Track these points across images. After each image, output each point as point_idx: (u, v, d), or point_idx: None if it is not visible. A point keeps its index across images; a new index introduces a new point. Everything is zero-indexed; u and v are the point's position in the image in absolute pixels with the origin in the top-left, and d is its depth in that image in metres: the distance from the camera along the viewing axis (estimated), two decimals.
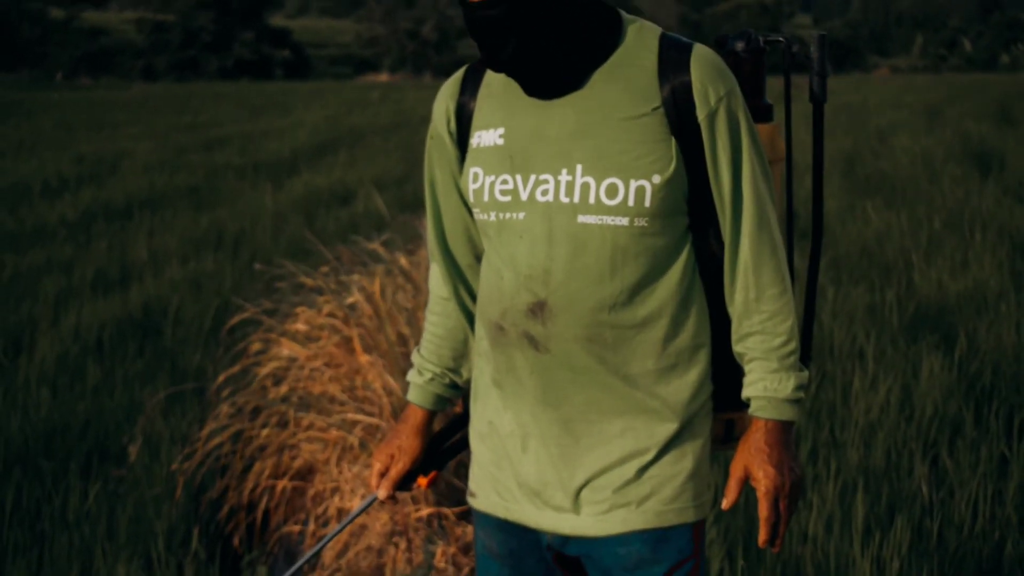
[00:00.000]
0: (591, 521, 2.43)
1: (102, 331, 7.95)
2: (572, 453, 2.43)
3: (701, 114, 2.33)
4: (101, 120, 26.33)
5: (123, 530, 5.06)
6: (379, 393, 5.34)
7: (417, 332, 5.67)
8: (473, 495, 2.61)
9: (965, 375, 6.45)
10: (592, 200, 2.33)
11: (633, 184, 2.32)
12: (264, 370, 5.85)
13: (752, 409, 2.42)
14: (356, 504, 4.92)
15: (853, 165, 15.68)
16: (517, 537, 2.54)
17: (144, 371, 7.13)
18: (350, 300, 5.93)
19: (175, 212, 13.27)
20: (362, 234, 8.57)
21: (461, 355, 2.71)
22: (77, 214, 13.14)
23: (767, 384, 2.40)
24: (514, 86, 2.43)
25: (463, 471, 4.91)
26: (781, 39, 2.65)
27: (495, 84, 2.48)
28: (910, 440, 5.51)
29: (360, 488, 4.98)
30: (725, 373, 2.49)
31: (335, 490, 5.14)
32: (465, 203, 2.58)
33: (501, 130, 2.43)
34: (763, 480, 2.39)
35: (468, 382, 2.71)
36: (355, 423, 5.24)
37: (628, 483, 2.41)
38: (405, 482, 2.77)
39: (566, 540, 2.47)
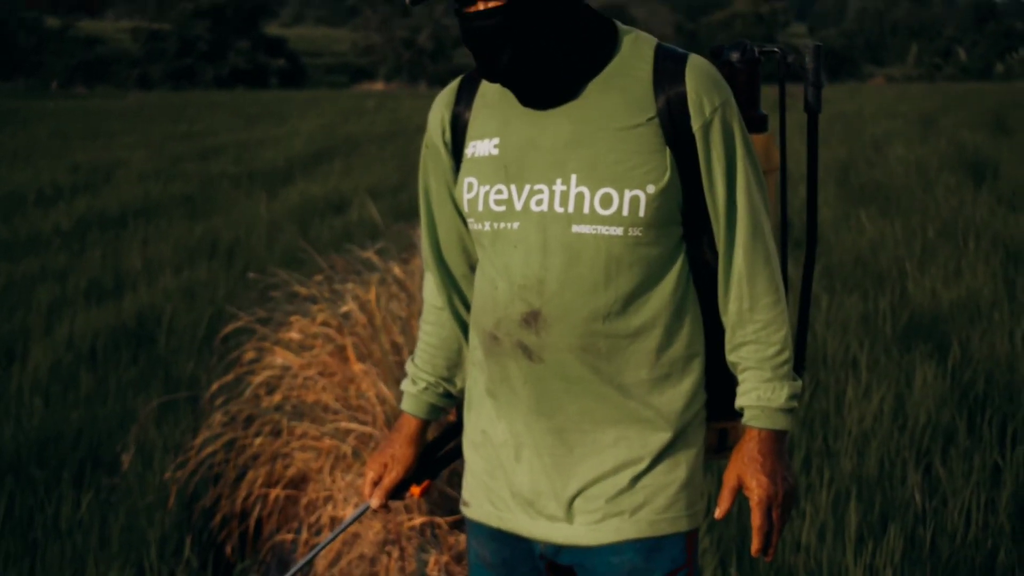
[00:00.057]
0: (584, 530, 2.43)
1: (95, 340, 7.95)
2: (565, 462, 2.43)
3: (696, 124, 2.33)
4: (96, 129, 26.33)
5: (116, 539, 5.05)
6: (373, 402, 5.34)
7: (411, 341, 5.67)
8: (466, 504, 2.61)
9: (958, 384, 6.45)
10: (586, 210, 2.34)
11: (628, 194, 2.32)
12: (258, 379, 5.85)
13: (746, 418, 2.42)
14: (349, 513, 4.92)
15: (848, 174, 15.70)
16: (510, 546, 2.54)
17: (137, 379, 7.12)
18: (344, 309, 5.93)
19: (169, 221, 13.27)
20: (356, 243, 8.58)
21: (455, 364, 2.71)
22: (71, 223, 13.13)
23: (760, 394, 2.40)
24: (509, 96, 2.43)
25: (456, 480, 4.91)
26: (776, 49, 2.65)
27: (490, 94, 2.48)
28: (903, 449, 5.51)
29: (353, 497, 4.98)
30: (719, 382, 2.49)
31: (328, 499, 5.13)
32: (459, 213, 2.58)
33: (496, 140, 2.43)
34: (756, 489, 2.39)
35: (462, 391, 2.71)
36: (348, 432, 5.24)
37: (621, 492, 2.41)
38: (398, 491, 2.77)
39: (559, 549, 2.47)
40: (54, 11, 64.61)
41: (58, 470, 5.73)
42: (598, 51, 2.39)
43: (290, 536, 5.20)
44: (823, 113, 2.66)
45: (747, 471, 2.41)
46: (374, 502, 2.74)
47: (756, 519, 2.40)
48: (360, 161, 19.21)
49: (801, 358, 2.61)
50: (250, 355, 6.09)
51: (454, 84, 2.58)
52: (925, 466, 5.47)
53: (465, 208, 2.48)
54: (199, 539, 5.26)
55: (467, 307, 2.65)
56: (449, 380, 2.72)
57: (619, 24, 2.44)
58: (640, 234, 2.34)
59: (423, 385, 2.71)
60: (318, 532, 5.07)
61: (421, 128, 2.83)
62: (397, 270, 6.39)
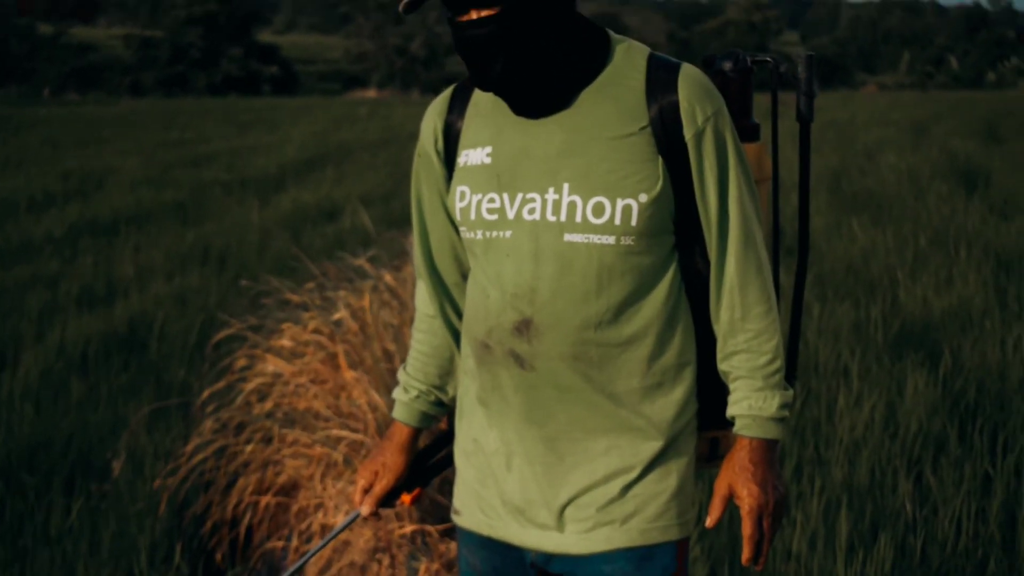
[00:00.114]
0: (575, 539, 2.43)
1: (87, 346, 7.94)
2: (556, 471, 2.43)
3: (688, 134, 2.34)
4: (88, 136, 26.28)
5: (106, 546, 5.05)
6: (364, 409, 5.34)
7: (403, 348, 5.67)
8: (457, 512, 2.61)
9: (949, 392, 6.46)
10: (579, 219, 2.34)
11: (620, 203, 2.32)
12: (249, 386, 5.84)
13: (737, 427, 2.43)
14: (340, 520, 4.91)
15: (840, 182, 15.71)
16: (501, 555, 2.53)
17: (128, 386, 7.11)
18: (336, 316, 5.92)
19: (161, 228, 13.26)
20: (348, 250, 8.56)
21: (447, 373, 2.71)
22: (63, 230, 13.11)
23: (752, 403, 2.40)
24: (502, 105, 2.43)
25: (447, 488, 4.91)
26: (769, 59, 2.66)
27: (483, 103, 2.49)
28: (894, 457, 5.51)
29: (344, 504, 4.97)
30: (710, 391, 2.49)
31: (319, 506, 5.13)
32: (452, 221, 2.58)
33: (488, 149, 2.44)
34: (747, 498, 2.39)
35: (454, 400, 2.71)
36: (340, 439, 5.24)
37: (612, 501, 2.41)
38: (389, 499, 2.77)
39: (550, 558, 2.47)
40: (47, 18, 64.58)
41: (48, 477, 5.72)
42: (591, 60, 2.39)
43: (280, 543, 5.19)
44: (815, 121, 2.66)
45: (738, 480, 2.41)
46: (364, 510, 2.74)
47: (747, 528, 2.40)
48: (352, 168, 19.21)
49: (793, 367, 2.61)
50: (241, 362, 6.08)
51: (447, 93, 2.58)
52: (916, 475, 5.47)
53: (457, 217, 2.48)
54: (189, 546, 5.25)
55: (459, 315, 2.65)
56: (441, 388, 2.72)
57: (612, 33, 2.45)
58: (632, 243, 2.34)
59: (415, 393, 2.71)
60: (309, 539, 5.07)
61: (413, 136, 2.83)
62: (389, 278, 6.39)
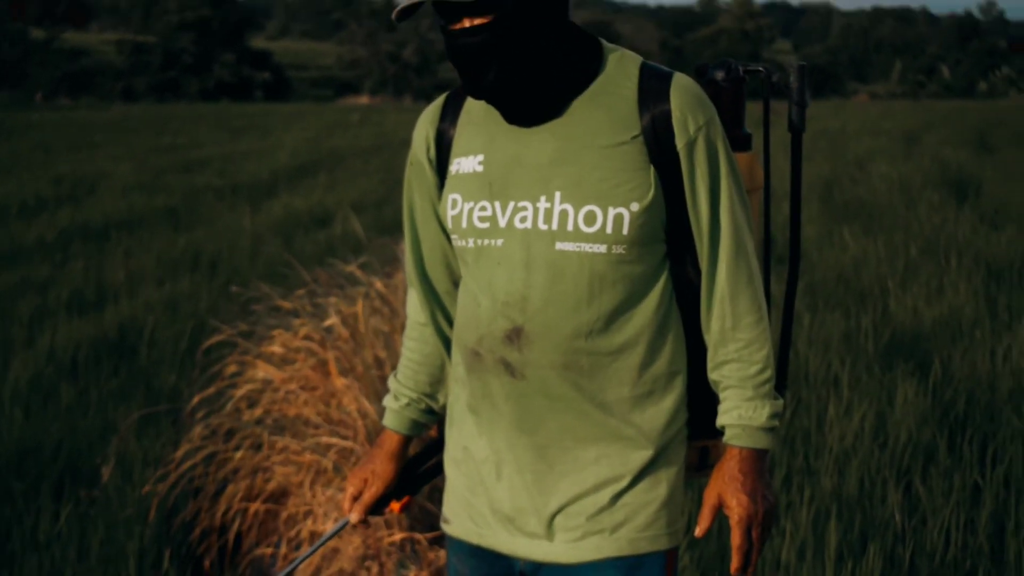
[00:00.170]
0: (564, 548, 2.43)
1: (77, 351, 7.92)
2: (546, 480, 2.43)
3: (680, 143, 2.34)
4: (80, 141, 26.26)
5: (94, 552, 5.03)
6: (354, 416, 5.33)
7: (393, 356, 5.66)
8: (447, 521, 2.61)
9: (939, 402, 6.46)
10: (570, 227, 2.34)
11: (611, 212, 2.32)
12: (239, 392, 5.83)
13: (727, 437, 2.43)
14: (329, 527, 4.90)
15: (831, 191, 15.73)
16: (490, 563, 2.53)
17: (118, 392, 7.10)
18: (327, 323, 5.92)
19: (152, 233, 13.24)
20: (339, 257, 8.56)
21: (438, 381, 2.71)
22: (54, 234, 13.10)
23: (742, 412, 2.40)
24: (494, 113, 2.43)
25: (437, 496, 4.90)
26: (761, 68, 2.66)
27: (475, 111, 2.49)
28: (884, 467, 5.52)
29: (333, 511, 4.97)
30: (700, 400, 2.49)
31: (308, 513, 5.12)
32: (444, 229, 2.58)
33: (480, 157, 2.44)
34: (736, 508, 2.39)
35: (444, 408, 2.71)
36: (329, 446, 5.23)
37: (602, 510, 2.41)
38: (378, 506, 2.76)
39: (539, 567, 2.47)
40: (39, 23, 64.49)
41: (37, 482, 5.71)
42: (583, 69, 2.39)
43: (269, 550, 5.18)
44: (807, 131, 2.67)
45: (727, 490, 2.41)
46: (353, 517, 2.74)
47: (736, 538, 2.40)
48: (344, 175, 19.20)
49: (783, 376, 2.61)
50: (232, 368, 6.07)
51: (439, 101, 2.58)
52: (905, 485, 5.47)
53: (449, 225, 2.48)
54: (178, 553, 5.24)
55: (450, 323, 2.65)
56: (431, 396, 2.72)
57: (604, 42, 2.45)
58: (624, 252, 2.35)
59: (405, 401, 2.71)
60: (297, 547, 5.06)
61: (406, 142, 2.83)
62: (380, 285, 6.38)
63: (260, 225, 13.56)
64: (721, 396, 2.45)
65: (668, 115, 2.34)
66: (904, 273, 9.93)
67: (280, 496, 5.40)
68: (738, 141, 2.56)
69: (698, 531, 2.43)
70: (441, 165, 2.53)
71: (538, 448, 2.43)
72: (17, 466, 5.87)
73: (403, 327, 3.02)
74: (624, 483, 2.41)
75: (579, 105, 2.38)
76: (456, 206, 2.45)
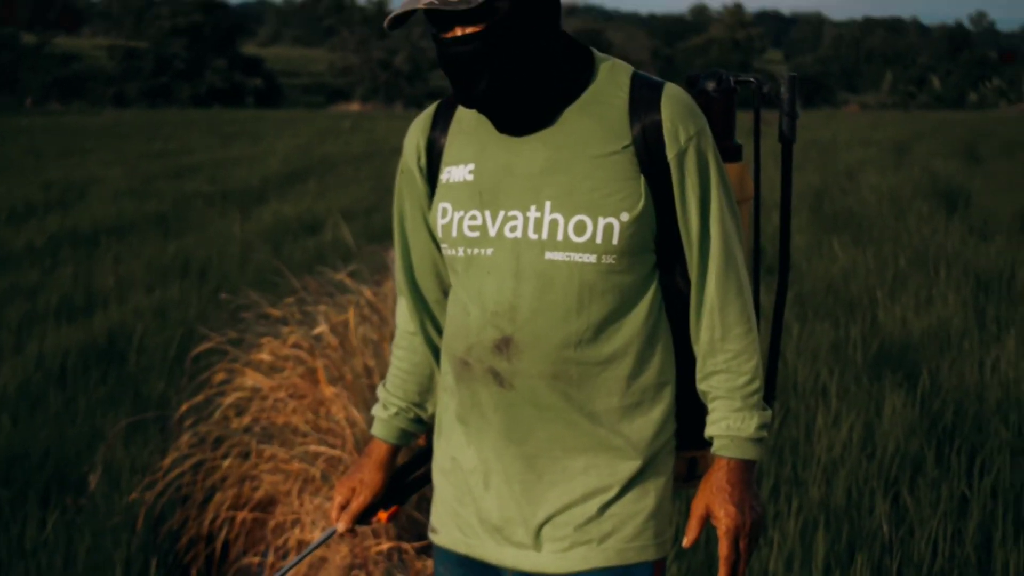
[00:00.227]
0: (552, 558, 2.43)
1: (65, 358, 7.90)
2: (535, 490, 2.43)
3: (671, 153, 2.34)
4: (70, 146, 26.24)
5: (81, 560, 5.02)
6: (342, 425, 5.33)
7: (382, 364, 5.65)
8: (434, 531, 2.60)
9: (927, 413, 6.47)
10: (560, 237, 2.34)
11: (601, 221, 2.32)
12: (227, 400, 5.82)
13: (715, 448, 2.42)
14: (316, 536, 4.90)
15: (821, 201, 15.76)
16: (477, 573, 2.53)
17: (106, 399, 7.08)
18: (316, 331, 5.91)
19: (142, 239, 13.23)
20: (329, 264, 8.56)
21: (427, 390, 2.71)
22: (43, 240, 13.08)
23: (730, 423, 2.40)
24: (485, 122, 2.43)
25: (424, 505, 4.90)
26: (752, 79, 2.66)
27: (466, 120, 2.49)
28: (871, 478, 5.52)
29: (321, 520, 4.96)
30: (689, 411, 2.49)
31: (296, 522, 5.11)
32: (434, 238, 2.57)
33: (471, 166, 2.44)
34: (724, 519, 2.39)
35: (433, 417, 2.70)
36: (317, 455, 5.22)
37: (590, 520, 2.41)
38: (365, 516, 2.76)
39: None
40: (30, 28, 64.48)
41: (24, 490, 5.69)
42: (575, 78, 2.39)
43: (256, 559, 5.17)
44: (797, 141, 2.68)
45: (715, 500, 2.41)
46: (341, 526, 2.73)
47: (723, 548, 2.40)
48: (335, 182, 19.20)
49: (772, 387, 2.61)
50: (220, 376, 6.06)
51: (430, 109, 2.58)
52: (893, 495, 5.47)
53: (439, 233, 2.48)
54: (165, 561, 5.22)
55: (440, 333, 2.64)
56: (420, 405, 2.71)
57: (595, 51, 2.45)
58: (613, 262, 2.35)
59: (394, 410, 2.71)
60: (285, 555, 5.05)
61: (397, 149, 2.83)
62: (369, 293, 6.38)
63: (250, 232, 13.54)
64: (710, 407, 2.45)
65: (659, 125, 2.34)
66: (893, 283, 9.95)
67: (268, 505, 5.39)
68: (729, 151, 2.56)
69: (686, 542, 2.43)
70: (432, 174, 2.53)
71: (526, 458, 2.42)
72: (4, 473, 5.85)
73: (392, 336, 3.01)
74: (612, 493, 2.41)
75: (570, 114, 2.38)
76: (446, 215, 2.45)
